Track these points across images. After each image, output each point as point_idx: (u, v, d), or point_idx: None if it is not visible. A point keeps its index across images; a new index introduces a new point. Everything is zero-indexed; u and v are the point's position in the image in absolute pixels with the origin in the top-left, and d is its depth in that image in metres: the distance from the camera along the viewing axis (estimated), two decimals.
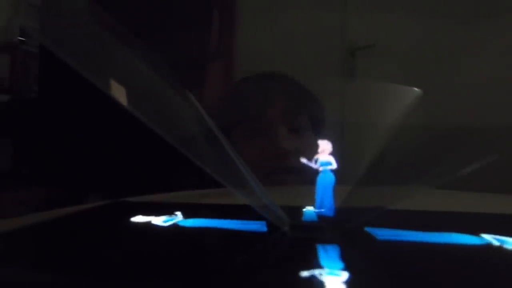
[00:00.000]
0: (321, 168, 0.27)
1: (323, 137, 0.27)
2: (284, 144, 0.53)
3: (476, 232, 0.23)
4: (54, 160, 0.69)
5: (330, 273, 0.17)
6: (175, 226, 0.26)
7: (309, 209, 0.29)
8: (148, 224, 0.26)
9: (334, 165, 0.26)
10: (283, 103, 0.57)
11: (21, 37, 1.12)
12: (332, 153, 0.27)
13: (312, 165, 0.27)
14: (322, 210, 0.26)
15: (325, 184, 0.26)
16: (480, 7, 1.09)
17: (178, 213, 0.28)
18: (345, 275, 0.17)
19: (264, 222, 0.25)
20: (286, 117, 0.55)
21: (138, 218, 0.27)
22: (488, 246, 0.21)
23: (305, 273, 0.17)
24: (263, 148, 0.53)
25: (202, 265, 0.19)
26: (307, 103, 0.59)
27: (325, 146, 0.27)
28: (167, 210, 0.29)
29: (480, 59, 1.03)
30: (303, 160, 0.27)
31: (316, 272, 0.17)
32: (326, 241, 0.22)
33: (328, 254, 0.20)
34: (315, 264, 0.18)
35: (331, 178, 0.26)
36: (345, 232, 0.24)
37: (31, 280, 0.17)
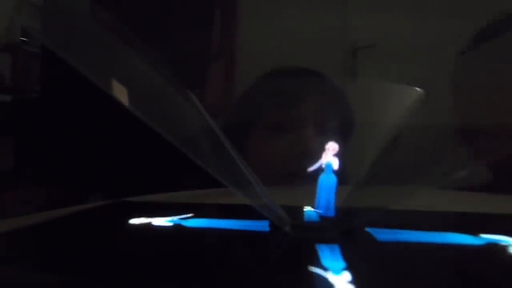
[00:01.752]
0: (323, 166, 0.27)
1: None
2: (311, 145, 0.49)
3: (475, 232, 0.23)
4: (55, 160, 0.69)
5: (331, 273, 0.17)
6: (177, 226, 0.26)
7: (309, 209, 0.29)
8: (150, 224, 0.26)
9: (336, 166, 0.26)
10: (316, 101, 0.54)
11: (23, 37, 1.12)
12: (336, 154, 0.27)
13: (318, 165, 0.27)
14: (323, 210, 0.26)
15: (327, 185, 0.26)
16: (481, 8, 1.08)
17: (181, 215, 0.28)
18: (346, 275, 0.17)
19: (266, 222, 0.25)
20: (316, 116, 0.52)
21: (139, 218, 0.27)
22: (488, 246, 0.21)
23: (306, 273, 0.17)
24: (288, 146, 0.50)
25: (203, 266, 0.19)
26: (339, 104, 0.56)
27: (332, 146, 0.27)
28: (168, 210, 0.29)
29: None
30: (311, 169, 0.27)
31: (318, 272, 0.17)
32: (327, 241, 0.22)
33: (329, 254, 0.20)
34: (317, 264, 0.18)
35: (333, 179, 0.26)
36: (346, 232, 0.24)
37: (32, 280, 0.17)
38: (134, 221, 0.27)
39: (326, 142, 0.54)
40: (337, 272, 0.17)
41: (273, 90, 0.54)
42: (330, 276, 0.16)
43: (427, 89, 0.34)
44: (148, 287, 0.17)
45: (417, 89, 0.34)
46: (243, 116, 0.25)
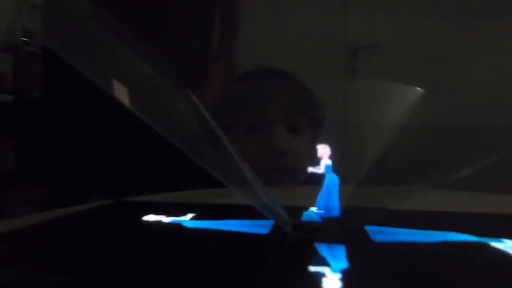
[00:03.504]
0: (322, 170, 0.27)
1: (322, 139, 0.27)
2: (282, 144, 0.52)
3: (475, 232, 0.23)
4: (56, 160, 0.69)
5: (332, 273, 0.17)
6: (178, 227, 0.26)
7: (311, 209, 0.29)
8: (150, 224, 0.26)
9: (325, 170, 0.26)
10: (284, 101, 0.57)
11: (24, 37, 1.12)
12: (333, 154, 0.27)
13: (318, 170, 0.27)
14: (325, 211, 0.26)
15: (329, 185, 0.26)
16: (482, 7, 1.08)
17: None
18: (346, 274, 0.17)
19: (268, 223, 0.25)
20: (286, 116, 0.55)
21: (140, 218, 0.27)
22: (487, 246, 0.21)
23: (306, 273, 0.17)
24: (260, 146, 0.53)
25: (203, 266, 0.19)
26: (309, 103, 0.59)
27: (323, 150, 0.27)
28: (169, 210, 0.29)
29: (483, 58, 1.02)
30: (311, 169, 0.27)
31: (318, 272, 0.17)
32: (328, 240, 0.22)
33: (330, 254, 0.20)
34: (317, 264, 0.18)
35: (335, 179, 0.26)
36: (347, 232, 0.24)
37: (33, 280, 0.17)
38: (135, 221, 0.27)
39: (297, 139, 0.56)
40: (337, 272, 0.17)
41: (244, 93, 0.57)
42: (330, 276, 0.17)
43: (427, 89, 0.34)
44: (148, 286, 0.17)
45: (418, 88, 0.34)
46: (218, 119, 0.26)
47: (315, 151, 0.27)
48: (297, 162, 0.52)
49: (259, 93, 0.56)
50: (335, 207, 0.26)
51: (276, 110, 0.55)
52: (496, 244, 0.21)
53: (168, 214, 0.28)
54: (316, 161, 0.27)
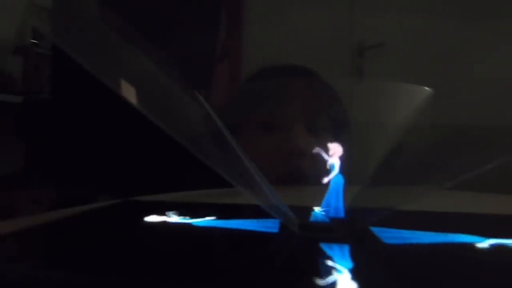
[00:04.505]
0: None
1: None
2: (300, 143, 0.49)
3: (482, 233, 0.23)
4: (65, 160, 0.70)
5: (338, 273, 0.17)
6: (186, 226, 0.26)
7: (318, 209, 0.29)
8: (158, 223, 0.27)
9: (337, 170, 0.26)
10: (304, 99, 0.54)
11: (34, 39, 1.13)
12: (342, 155, 0.26)
13: (331, 174, 0.26)
14: (332, 211, 0.26)
15: (334, 185, 0.26)
16: (488, 8, 1.07)
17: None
18: (353, 275, 0.17)
19: (275, 222, 0.25)
20: (305, 114, 0.52)
21: (148, 218, 0.27)
22: (495, 248, 0.21)
23: (313, 273, 0.17)
24: (277, 145, 0.50)
25: (211, 265, 0.19)
26: (329, 102, 0.55)
27: (335, 149, 0.27)
28: (177, 209, 0.29)
29: (490, 58, 1.01)
30: (318, 150, 0.26)
31: (324, 272, 0.17)
32: (335, 241, 0.22)
33: (337, 254, 0.20)
34: (323, 264, 0.18)
35: (341, 180, 0.26)
36: (353, 232, 0.24)
37: (42, 278, 0.18)
38: (143, 220, 0.27)
39: (316, 140, 0.53)
40: (343, 272, 0.17)
41: (261, 90, 0.54)
42: (336, 276, 0.16)
43: (434, 88, 0.33)
44: (156, 285, 0.17)
45: (425, 88, 0.34)
46: (231, 117, 0.26)
47: (327, 149, 0.26)
48: (316, 165, 0.50)
49: (277, 90, 0.52)
50: (340, 208, 0.26)
51: (295, 108, 0.52)
52: (501, 245, 0.21)
53: (175, 213, 0.28)
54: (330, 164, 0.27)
